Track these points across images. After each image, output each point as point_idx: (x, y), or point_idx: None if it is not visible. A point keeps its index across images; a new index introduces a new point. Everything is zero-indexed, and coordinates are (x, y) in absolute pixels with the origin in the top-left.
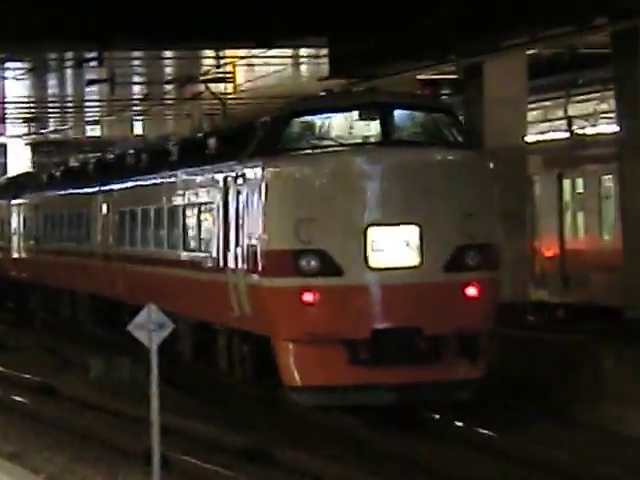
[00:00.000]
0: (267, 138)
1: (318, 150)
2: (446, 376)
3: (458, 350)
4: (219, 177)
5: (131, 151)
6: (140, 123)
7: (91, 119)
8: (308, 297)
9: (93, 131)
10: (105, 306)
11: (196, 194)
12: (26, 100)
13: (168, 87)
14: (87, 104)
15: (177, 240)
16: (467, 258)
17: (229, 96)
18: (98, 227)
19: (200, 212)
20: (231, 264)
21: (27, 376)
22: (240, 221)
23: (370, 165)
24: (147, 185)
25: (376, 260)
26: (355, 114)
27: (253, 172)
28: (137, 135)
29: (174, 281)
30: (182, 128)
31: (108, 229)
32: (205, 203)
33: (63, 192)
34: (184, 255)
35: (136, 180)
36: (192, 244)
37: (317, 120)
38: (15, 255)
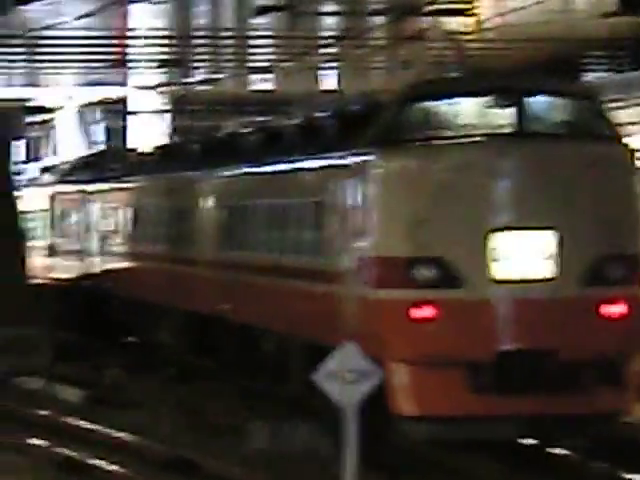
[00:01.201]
0: (382, 125)
1: (440, 141)
2: (585, 408)
3: (599, 377)
4: (327, 170)
5: (241, 130)
6: (333, 73)
7: (259, 65)
8: (422, 312)
9: (262, 83)
10: (249, 336)
11: (304, 189)
12: (162, 34)
13: (376, 20)
14: (254, 43)
15: (283, 245)
16: (611, 270)
17: (467, 36)
18: (198, 226)
19: (309, 211)
20: (342, 273)
21: (157, 446)
22: (349, 222)
23: (501, 160)
24: (252, 175)
25: (503, 270)
26: (487, 100)
27: (363, 165)
28: (327, 90)
29: (284, 294)
30: (395, 82)
31: (211, 229)
32: (314, 201)
33: (163, 176)
34: (288, 261)
35: (238, 168)
36: (303, 249)
37: (442, 106)
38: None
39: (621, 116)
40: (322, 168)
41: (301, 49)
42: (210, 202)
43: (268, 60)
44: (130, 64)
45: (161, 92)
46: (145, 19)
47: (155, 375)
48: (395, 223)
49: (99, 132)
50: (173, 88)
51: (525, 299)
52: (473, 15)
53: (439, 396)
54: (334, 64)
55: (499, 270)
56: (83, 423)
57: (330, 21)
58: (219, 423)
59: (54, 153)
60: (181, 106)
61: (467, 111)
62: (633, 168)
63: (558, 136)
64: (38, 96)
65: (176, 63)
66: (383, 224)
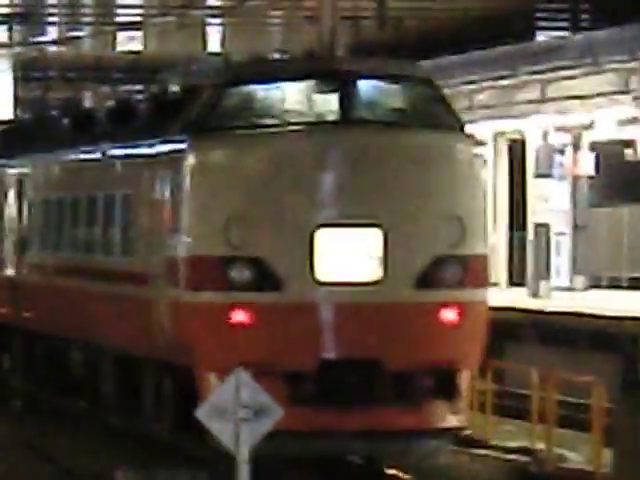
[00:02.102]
0: (196, 111)
1: (259, 129)
2: (415, 423)
3: (431, 390)
4: (137, 160)
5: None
6: (217, 31)
7: (127, 20)
8: (237, 316)
9: (130, 43)
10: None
11: (112, 181)
12: None
13: None
14: None
15: (92, 242)
16: (446, 272)
17: None
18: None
19: (116, 205)
20: (151, 274)
21: None
22: (159, 217)
23: (323, 150)
24: (58, 165)
25: (326, 272)
26: (310, 84)
27: (174, 155)
28: (212, 53)
29: (88, 298)
30: (297, 42)
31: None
32: (122, 193)
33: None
34: (97, 262)
35: (43, 157)
36: (107, 247)
37: (260, 91)
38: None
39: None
40: (131, 157)
41: (179, 1)
42: (14, 195)
43: (138, 15)
44: None
45: (3, 54)
46: None
47: None
48: (209, 220)
49: None
50: (20, 49)
51: (349, 303)
52: None
53: None
54: (219, 20)
55: (321, 271)
56: None
57: None
58: (81, 472)
59: None
60: (29, 72)
61: (289, 97)
62: (474, 159)
63: (388, 124)
64: None
65: (24, 17)
66: (196, 220)
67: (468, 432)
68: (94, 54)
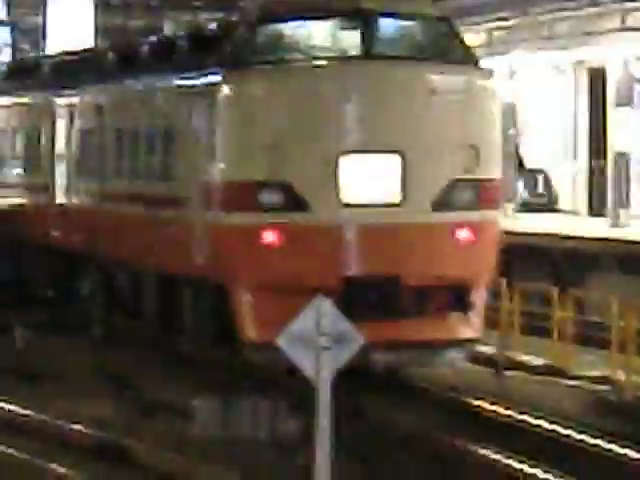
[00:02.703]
0: (230, 47)
1: (286, 64)
2: (433, 334)
3: (447, 304)
4: (176, 92)
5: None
6: None
7: None
8: (267, 237)
9: None
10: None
11: (155, 111)
12: None
13: None
14: None
15: (127, 168)
16: (461, 195)
17: None
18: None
19: (159, 134)
20: (190, 197)
21: (81, 430)
22: (197, 145)
23: (346, 83)
24: (104, 97)
25: (350, 195)
26: (333, 23)
27: (210, 88)
28: None
29: (134, 222)
30: None
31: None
32: (164, 123)
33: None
34: (135, 187)
35: (87, 88)
36: (146, 172)
37: (288, 29)
38: (61, 202)
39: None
40: (172, 89)
41: None
42: (66, 125)
43: None
44: None
45: None
46: None
47: (74, 338)
48: (241, 147)
49: (3, 32)
50: None
51: (371, 224)
52: None
53: (286, 322)
54: None
55: (345, 195)
56: None
57: None
58: (154, 398)
59: None
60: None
61: (315, 34)
62: (489, 92)
63: (406, 59)
64: None
65: None
66: (229, 148)
67: (549, 362)
68: None
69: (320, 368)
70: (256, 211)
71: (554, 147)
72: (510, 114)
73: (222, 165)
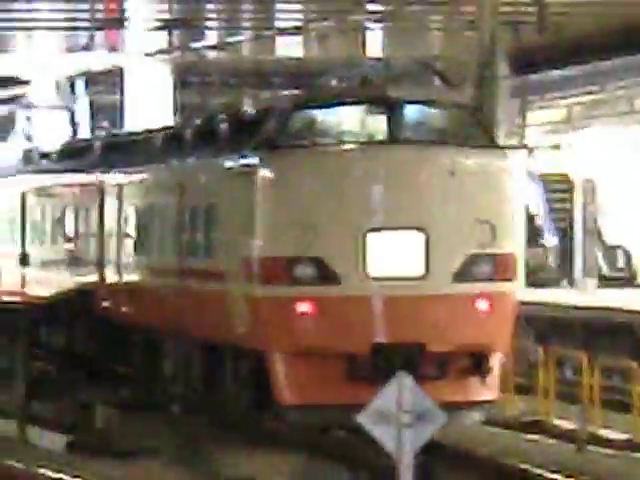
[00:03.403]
0: (268, 131)
1: (320, 148)
2: (454, 397)
3: (467, 369)
4: (218, 173)
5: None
6: (379, 35)
7: (285, 27)
8: (302, 307)
9: (289, 48)
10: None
11: (199, 191)
12: None
13: None
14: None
15: (187, 246)
16: (480, 269)
17: None
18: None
19: (203, 212)
20: (231, 271)
21: None
22: (237, 223)
23: (373, 165)
24: (152, 177)
25: (377, 269)
26: (362, 109)
27: (249, 169)
28: (372, 58)
29: (181, 295)
30: (457, 47)
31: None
32: (207, 202)
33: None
34: (191, 263)
35: (139, 169)
36: (196, 249)
37: (321, 114)
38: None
39: None
40: (214, 170)
41: (339, 6)
42: (115, 203)
43: (298, 19)
44: (125, 24)
45: (163, 60)
46: None
47: (155, 414)
48: (277, 225)
49: (83, 110)
50: (179, 54)
51: (397, 295)
52: None
53: (319, 385)
54: (379, 24)
55: (372, 268)
56: (66, 478)
57: None
58: (240, 475)
59: (27, 136)
60: (188, 77)
61: (345, 119)
62: (505, 172)
63: (428, 143)
64: (7, 65)
65: (182, 23)
66: (266, 226)
67: (630, 436)
68: (253, 59)
69: (402, 445)
70: (291, 284)
71: (634, 222)
72: (590, 190)
73: (259, 242)
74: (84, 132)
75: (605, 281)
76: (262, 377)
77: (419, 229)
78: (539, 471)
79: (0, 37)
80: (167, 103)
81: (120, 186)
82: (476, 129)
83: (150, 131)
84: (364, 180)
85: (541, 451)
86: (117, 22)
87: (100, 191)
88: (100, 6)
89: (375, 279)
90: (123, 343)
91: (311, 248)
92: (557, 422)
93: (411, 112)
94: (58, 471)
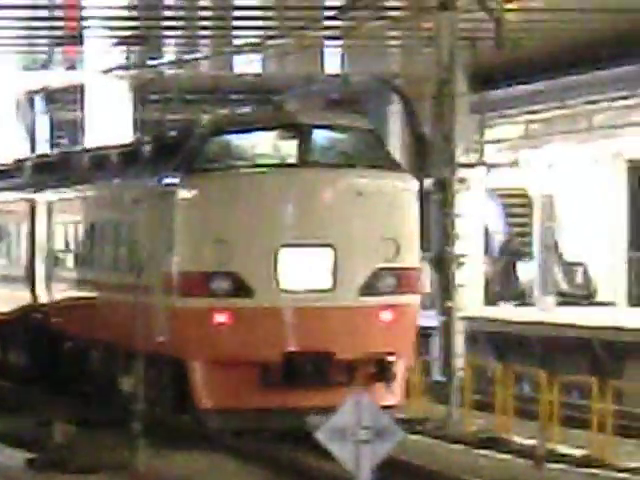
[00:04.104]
0: (186, 155)
1: (236, 170)
2: None
3: (373, 375)
4: (140, 192)
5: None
6: (338, 53)
7: (243, 44)
8: (219, 318)
9: (248, 65)
10: None
11: (122, 210)
12: (123, 3)
13: None
14: (239, 14)
15: (110, 261)
16: (384, 282)
17: (508, 5)
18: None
19: (124, 230)
20: (152, 285)
21: None
22: (157, 239)
23: (284, 186)
24: (80, 197)
25: (289, 282)
26: (273, 134)
27: (168, 190)
28: (331, 75)
29: (108, 307)
30: (416, 64)
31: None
32: (129, 220)
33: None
34: (114, 277)
35: (69, 189)
36: (120, 264)
37: (236, 139)
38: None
39: None
40: (136, 190)
41: (298, 22)
42: (45, 220)
43: (257, 36)
44: (83, 41)
45: (122, 76)
46: None
47: (115, 431)
48: (194, 242)
49: (43, 126)
50: (137, 71)
51: (307, 307)
52: None
53: (235, 391)
54: (337, 43)
55: (284, 282)
56: None
57: None
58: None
59: None
60: (147, 94)
61: (258, 143)
62: (408, 193)
63: (336, 165)
64: None
65: (142, 40)
66: (186, 243)
67: (589, 453)
68: (212, 75)
69: (360, 461)
70: (208, 297)
71: (593, 239)
72: (549, 206)
73: (178, 257)
74: (43, 149)
75: (564, 298)
76: (183, 383)
77: (328, 246)
78: None
79: None
80: (127, 119)
81: (50, 204)
82: (380, 151)
83: (81, 151)
84: (276, 200)
85: (499, 467)
86: (75, 39)
87: (31, 209)
88: (59, 23)
89: (287, 292)
90: (58, 353)
91: (227, 263)
92: (515, 438)
93: (320, 136)
94: None
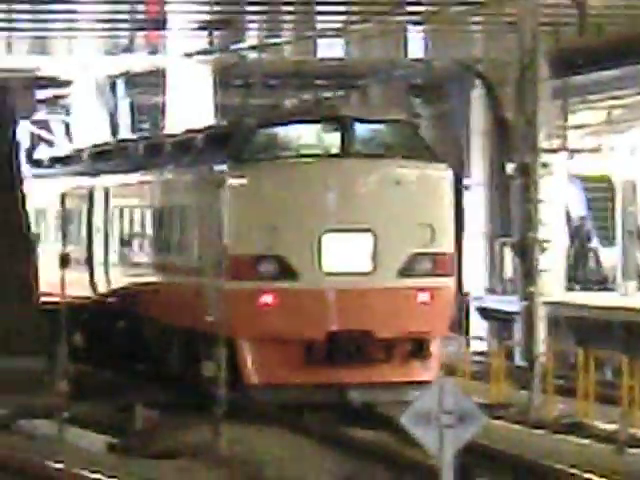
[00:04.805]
0: (237, 146)
1: (281, 160)
2: (399, 377)
3: (410, 353)
4: (193, 180)
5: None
6: (421, 38)
7: (326, 29)
8: (265, 299)
9: (330, 50)
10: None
11: (176, 196)
12: None
13: None
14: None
15: (168, 244)
16: (420, 265)
17: None
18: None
19: (179, 214)
20: (204, 268)
21: None
22: (209, 224)
23: (328, 175)
24: (136, 182)
25: (330, 265)
26: (317, 127)
27: (219, 178)
28: (414, 59)
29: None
30: (498, 49)
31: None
32: (183, 205)
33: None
34: (168, 260)
35: (127, 175)
36: (175, 248)
37: (281, 131)
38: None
39: None
40: (189, 178)
41: (380, 7)
42: (106, 206)
43: (339, 21)
44: (166, 25)
45: (204, 61)
46: None
47: (198, 416)
48: (243, 227)
49: (125, 111)
50: (219, 55)
51: (348, 289)
52: None
53: (281, 368)
54: (421, 27)
55: (327, 265)
56: (104, 479)
57: None
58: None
59: (69, 137)
60: (229, 78)
61: (303, 135)
62: (443, 182)
63: (376, 156)
64: (49, 66)
65: (224, 24)
66: (233, 227)
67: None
68: (294, 60)
69: (443, 446)
70: (256, 279)
71: None
72: (631, 192)
73: (229, 241)
74: (125, 133)
75: None
76: (233, 360)
77: (368, 231)
78: (574, 471)
79: (40, 39)
80: (208, 104)
81: (107, 190)
82: (417, 143)
83: (137, 139)
84: (320, 188)
85: (580, 452)
86: (158, 23)
87: (90, 195)
88: (141, 7)
89: (329, 274)
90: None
91: (273, 247)
92: (597, 424)
93: (361, 129)
94: (96, 472)
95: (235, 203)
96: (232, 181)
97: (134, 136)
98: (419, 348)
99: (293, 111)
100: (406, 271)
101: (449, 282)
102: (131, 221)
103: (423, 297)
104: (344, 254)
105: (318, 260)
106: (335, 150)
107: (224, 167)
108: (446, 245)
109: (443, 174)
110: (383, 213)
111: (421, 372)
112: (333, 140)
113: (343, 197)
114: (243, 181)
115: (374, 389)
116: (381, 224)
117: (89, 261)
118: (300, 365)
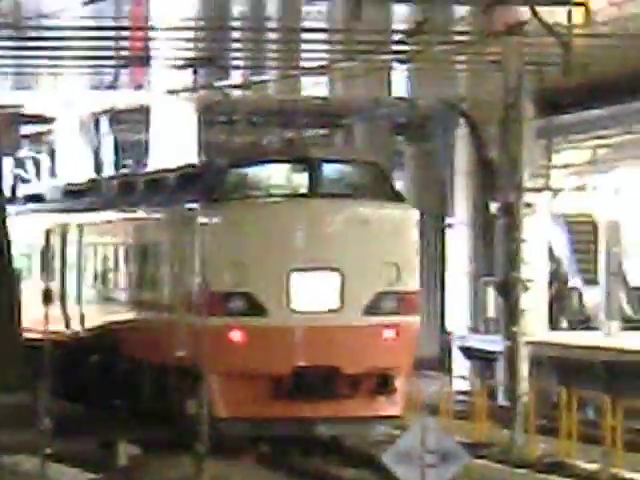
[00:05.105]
0: (206, 185)
1: (251, 199)
2: (365, 412)
3: (376, 389)
4: (164, 219)
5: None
6: (405, 76)
7: (311, 67)
8: (235, 335)
9: (314, 88)
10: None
11: (148, 234)
12: (190, 25)
13: (459, 11)
14: (306, 37)
15: (138, 281)
16: (386, 303)
17: (576, 30)
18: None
19: (151, 253)
20: (175, 304)
21: None
22: (180, 262)
23: (295, 215)
24: (110, 220)
25: (298, 303)
26: (286, 167)
27: (190, 217)
28: (398, 98)
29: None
30: (483, 89)
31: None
32: (155, 243)
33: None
34: (144, 296)
35: (100, 214)
36: (146, 284)
37: (251, 171)
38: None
39: None
40: (161, 217)
41: (365, 45)
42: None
43: (324, 59)
44: (150, 62)
45: (188, 98)
46: (169, 6)
47: (182, 451)
48: (213, 264)
49: (107, 147)
50: (203, 93)
51: (315, 326)
52: (581, 4)
53: (249, 402)
54: (405, 65)
55: (295, 302)
56: None
57: (401, 11)
58: None
59: (52, 173)
60: (213, 116)
61: (271, 175)
62: (408, 222)
63: (343, 196)
64: (33, 102)
65: (209, 61)
66: (205, 266)
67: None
68: (279, 98)
69: None
70: (225, 315)
71: None
72: (615, 232)
73: (198, 279)
74: (108, 170)
75: (628, 323)
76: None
77: (335, 270)
78: None
79: (25, 75)
80: (192, 141)
81: (81, 227)
82: (384, 183)
83: (111, 178)
84: (288, 227)
85: None
86: (142, 60)
87: (63, 233)
88: (125, 44)
89: (296, 312)
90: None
91: (242, 284)
92: (579, 463)
93: (328, 169)
94: None
95: (206, 241)
96: (203, 219)
97: (115, 173)
98: (384, 383)
99: (263, 151)
100: (372, 309)
101: (414, 320)
102: (104, 258)
103: (388, 334)
104: (312, 292)
105: (286, 297)
106: (303, 190)
107: (195, 206)
108: (411, 284)
109: (408, 214)
110: (350, 252)
111: (386, 407)
112: (301, 180)
113: (311, 236)
114: (214, 219)
115: (341, 423)
116: (348, 263)
117: (62, 298)
118: (268, 400)
